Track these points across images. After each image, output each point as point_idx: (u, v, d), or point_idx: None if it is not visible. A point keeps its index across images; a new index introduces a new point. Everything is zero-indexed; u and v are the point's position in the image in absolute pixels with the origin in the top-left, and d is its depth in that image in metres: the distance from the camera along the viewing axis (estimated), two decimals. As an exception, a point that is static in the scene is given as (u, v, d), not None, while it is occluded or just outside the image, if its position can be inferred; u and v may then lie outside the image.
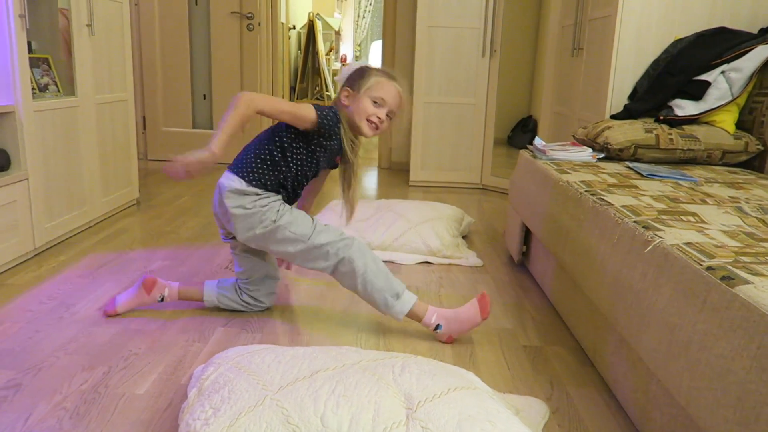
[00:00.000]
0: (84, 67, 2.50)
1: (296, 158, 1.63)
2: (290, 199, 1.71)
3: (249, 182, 1.62)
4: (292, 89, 5.44)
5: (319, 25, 5.45)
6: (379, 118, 1.63)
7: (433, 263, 2.34)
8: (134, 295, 1.75)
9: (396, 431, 1.01)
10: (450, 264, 2.35)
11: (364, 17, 7.96)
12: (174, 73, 4.30)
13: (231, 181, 1.64)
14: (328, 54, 6.02)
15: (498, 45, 3.60)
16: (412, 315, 1.67)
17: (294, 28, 5.41)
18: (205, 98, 4.38)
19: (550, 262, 1.98)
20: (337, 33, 6.87)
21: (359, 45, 8.09)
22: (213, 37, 4.26)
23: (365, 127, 1.64)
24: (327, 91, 5.56)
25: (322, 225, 1.67)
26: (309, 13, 5.45)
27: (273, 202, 1.63)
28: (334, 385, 1.10)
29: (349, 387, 1.09)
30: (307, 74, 5.57)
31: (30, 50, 2.22)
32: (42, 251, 2.28)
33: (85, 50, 2.50)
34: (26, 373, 1.43)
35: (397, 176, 4.21)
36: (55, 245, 2.37)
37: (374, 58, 7.83)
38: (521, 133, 5.36)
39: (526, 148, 2.44)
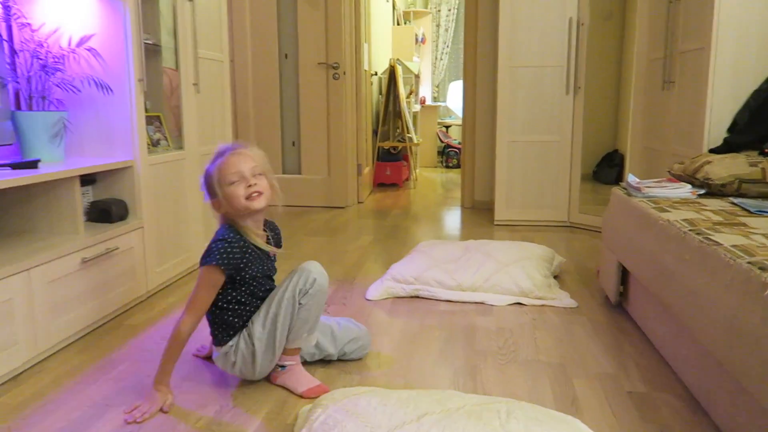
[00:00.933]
0: (190, 122, 2.71)
1: (237, 299, 1.60)
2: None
3: (220, 344, 1.63)
4: (375, 132, 5.59)
5: (399, 69, 5.61)
6: (249, 187, 1.54)
7: (525, 304, 2.31)
8: None
9: (507, 479, 1.00)
10: (543, 305, 2.31)
11: (441, 59, 8.12)
12: (265, 122, 4.56)
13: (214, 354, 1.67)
14: (408, 97, 6.17)
15: (582, 82, 3.58)
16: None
17: (376, 74, 5.60)
18: (293, 145, 4.60)
19: (651, 303, 1.91)
20: (417, 76, 7.04)
21: (437, 86, 8.24)
22: (301, 87, 4.49)
23: (250, 204, 1.54)
24: (408, 133, 5.67)
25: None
26: (390, 59, 5.63)
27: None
28: (441, 430, 1.11)
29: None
30: (388, 117, 5.73)
31: (145, 109, 2.44)
32: (153, 294, 2.45)
33: (191, 106, 2.71)
34: (147, 409, 1.53)
35: (480, 215, 4.21)
36: (163, 288, 2.54)
37: (452, 97, 7.94)
38: (607, 167, 5.23)
39: (617, 184, 2.39)
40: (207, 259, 1.54)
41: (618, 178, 4.81)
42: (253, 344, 1.59)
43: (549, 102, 3.65)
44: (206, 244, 1.60)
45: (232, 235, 1.56)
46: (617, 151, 5.31)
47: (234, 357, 1.61)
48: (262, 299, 1.64)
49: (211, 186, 1.57)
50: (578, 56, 3.56)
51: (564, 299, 2.33)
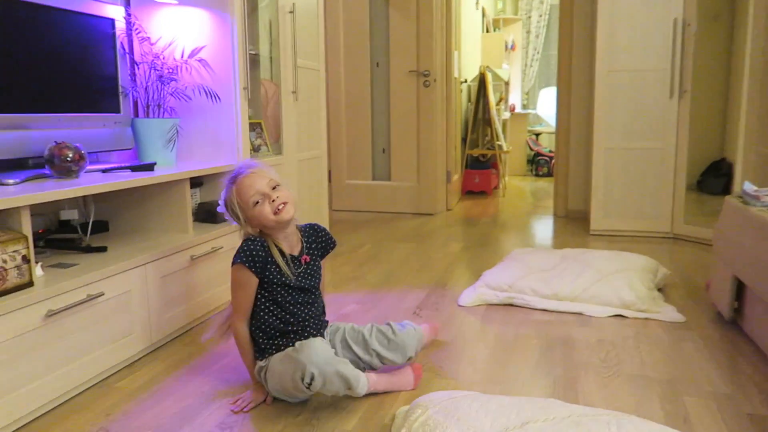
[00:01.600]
0: (289, 128, 2.81)
1: (260, 308, 1.59)
2: (304, 331, 1.61)
3: (255, 358, 1.62)
4: (463, 140, 5.56)
5: (489, 76, 5.55)
6: (273, 202, 1.54)
7: (627, 317, 2.20)
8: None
9: (621, 494, 0.95)
10: (647, 318, 2.19)
11: (531, 66, 7.96)
12: (356, 130, 4.65)
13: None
14: (498, 104, 6.09)
15: (688, 85, 3.38)
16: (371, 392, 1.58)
17: (465, 81, 5.57)
18: (384, 152, 4.66)
19: (773, 320, 1.76)
20: (506, 83, 6.94)
21: (527, 93, 8.08)
22: (392, 95, 4.54)
23: (280, 218, 1.54)
24: (497, 140, 5.59)
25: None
26: (480, 66, 5.59)
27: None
28: (548, 438, 1.07)
29: (564, 441, 1.06)
30: (477, 125, 5.67)
31: (248, 116, 2.56)
32: (252, 293, 2.55)
33: (290, 114, 2.81)
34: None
35: (575, 225, 4.06)
36: (261, 287, 2.63)
37: (543, 105, 7.75)
38: (713, 177, 4.89)
39: (724, 194, 2.22)
40: (233, 259, 1.56)
41: (725, 189, 4.49)
42: (265, 376, 1.56)
43: (650, 107, 3.47)
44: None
45: (255, 237, 1.57)
46: (725, 159, 4.96)
47: (263, 379, 1.58)
48: (292, 314, 1.59)
49: (234, 213, 1.58)
50: (684, 58, 3.37)
51: (670, 313, 2.20)
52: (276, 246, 1.58)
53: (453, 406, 1.24)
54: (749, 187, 2.11)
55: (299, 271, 1.62)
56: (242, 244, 1.57)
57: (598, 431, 1.10)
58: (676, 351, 1.90)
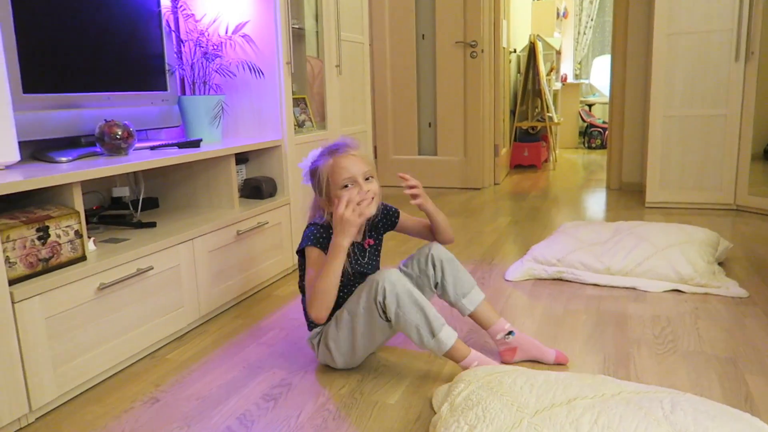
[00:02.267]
0: (333, 103, 2.79)
1: None
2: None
3: (309, 328, 1.62)
4: (512, 112, 5.42)
5: (539, 46, 5.36)
6: (362, 193, 1.48)
7: (684, 292, 2.10)
8: None
9: (674, 474, 0.91)
10: (706, 294, 2.08)
11: (584, 34, 7.64)
12: (402, 104, 4.59)
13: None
14: (548, 74, 5.89)
15: (756, 47, 3.16)
16: (452, 355, 1.46)
17: (515, 51, 5.40)
18: (430, 126, 4.59)
19: None
20: (558, 52, 6.70)
21: (579, 63, 7.78)
22: (438, 68, 4.45)
23: (362, 211, 1.47)
24: (548, 112, 5.42)
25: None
26: (530, 35, 5.40)
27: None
28: (596, 416, 1.03)
29: (613, 419, 1.02)
30: (527, 96, 5.51)
31: (292, 91, 2.55)
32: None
33: (334, 88, 2.79)
34: (295, 374, 1.61)
35: (629, 197, 3.91)
36: (308, 262, 2.65)
37: (596, 74, 7.46)
38: (782, 145, 4.61)
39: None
40: (301, 243, 1.53)
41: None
42: (327, 343, 1.56)
43: (714, 71, 3.27)
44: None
45: (322, 225, 1.53)
46: (795, 126, 4.65)
47: (316, 347, 1.60)
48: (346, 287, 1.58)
49: (319, 183, 1.53)
50: (752, 17, 3.14)
51: (732, 288, 2.09)
52: None
53: (497, 382, 1.21)
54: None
55: (364, 260, 1.62)
56: (311, 230, 1.52)
57: (651, 409, 1.05)
58: (738, 327, 1.80)
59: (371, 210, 1.50)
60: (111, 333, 1.59)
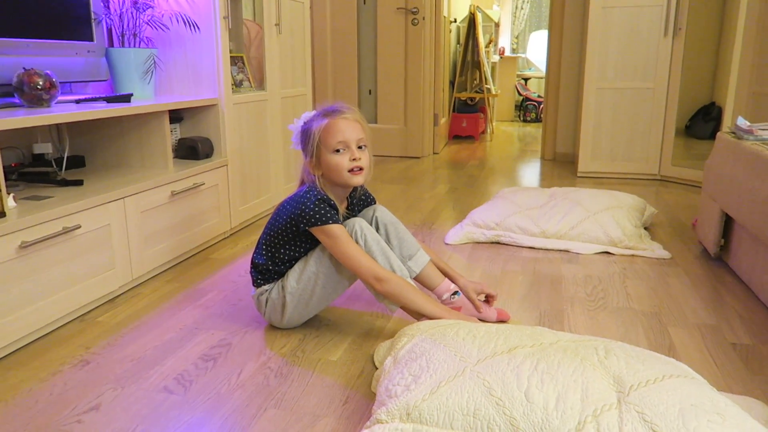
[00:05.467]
0: (272, 63, 2.70)
1: (296, 257, 1.55)
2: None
3: (255, 285, 1.59)
4: (451, 83, 5.45)
5: (479, 17, 5.39)
6: (353, 161, 1.46)
7: (614, 254, 2.20)
8: None
9: (608, 414, 0.95)
10: (633, 255, 2.19)
11: (522, 8, 7.75)
12: (342, 69, 4.52)
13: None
14: (487, 46, 5.94)
15: (683, 23, 3.30)
16: (421, 279, 1.61)
17: (455, 21, 5.41)
18: (370, 93, 4.55)
19: (761, 254, 1.76)
20: (497, 25, 6.76)
21: (516, 37, 7.90)
22: (379, 34, 4.40)
23: (351, 179, 1.47)
24: (486, 84, 5.48)
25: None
26: (470, 6, 5.42)
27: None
28: (535, 362, 1.06)
29: (552, 365, 1.05)
30: (466, 67, 5.55)
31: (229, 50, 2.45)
32: (236, 231, 2.51)
33: (273, 47, 2.70)
34: (235, 334, 1.57)
35: (563, 167, 4.04)
36: (246, 226, 2.59)
37: (533, 49, 7.60)
38: (702, 122, 4.85)
39: (713, 139, 2.19)
40: (322, 221, 1.43)
41: (714, 134, 4.46)
42: (284, 296, 1.53)
43: (644, 45, 3.40)
44: (287, 187, 1.55)
45: (324, 195, 1.47)
46: (714, 104, 4.91)
47: (264, 303, 1.57)
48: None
49: (310, 145, 1.48)
50: (680, -6, 3.27)
51: (656, 250, 2.20)
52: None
53: (440, 335, 1.23)
54: (742, 122, 2.08)
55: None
56: (320, 205, 1.44)
57: (586, 355, 1.09)
58: (662, 286, 1.90)
59: (358, 180, 1.48)
60: (36, 294, 1.49)
